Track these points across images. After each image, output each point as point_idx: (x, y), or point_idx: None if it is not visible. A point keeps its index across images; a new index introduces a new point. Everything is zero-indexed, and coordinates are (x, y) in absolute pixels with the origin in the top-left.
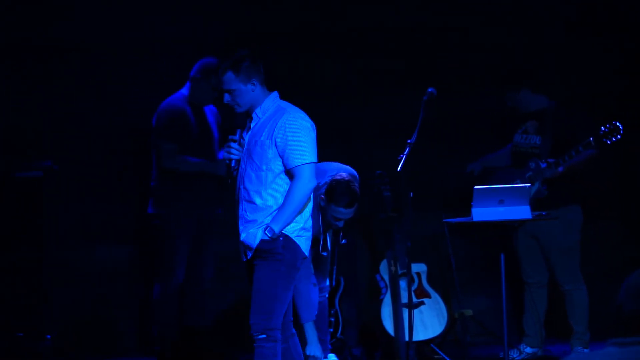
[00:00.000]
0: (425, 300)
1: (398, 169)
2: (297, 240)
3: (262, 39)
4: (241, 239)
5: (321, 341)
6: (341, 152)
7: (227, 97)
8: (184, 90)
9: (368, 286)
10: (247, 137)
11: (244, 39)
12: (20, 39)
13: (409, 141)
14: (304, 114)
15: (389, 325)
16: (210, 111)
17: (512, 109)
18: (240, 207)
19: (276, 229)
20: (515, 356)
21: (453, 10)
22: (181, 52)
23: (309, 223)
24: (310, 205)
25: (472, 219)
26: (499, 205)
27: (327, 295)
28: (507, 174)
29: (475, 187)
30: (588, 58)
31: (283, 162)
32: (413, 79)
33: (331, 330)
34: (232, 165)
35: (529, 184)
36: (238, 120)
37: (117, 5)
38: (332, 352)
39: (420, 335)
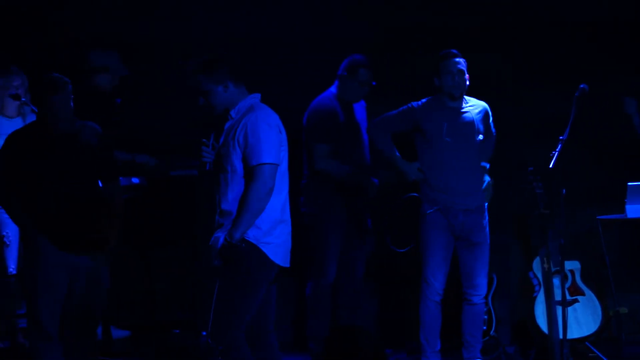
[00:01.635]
0: (579, 297)
1: (550, 166)
2: (263, 248)
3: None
4: (210, 242)
5: (472, 348)
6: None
7: (201, 100)
8: (333, 89)
9: (521, 284)
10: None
11: (387, 38)
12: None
13: (561, 137)
14: (272, 114)
15: (542, 323)
16: (360, 107)
17: None
18: (217, 211)
19: (235, 234)
20: None
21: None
22: (330, 50)
23: (278, 230)
24: (276, 209)
25: (626, 215)
26: None
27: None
28: None
29: (629, 183)
30: None
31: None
32: (563, 74)
33: (484, 328)
34: (207, 168)
35: None
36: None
37: (271, 3)
38: (483, 351)
39: (574, 333)
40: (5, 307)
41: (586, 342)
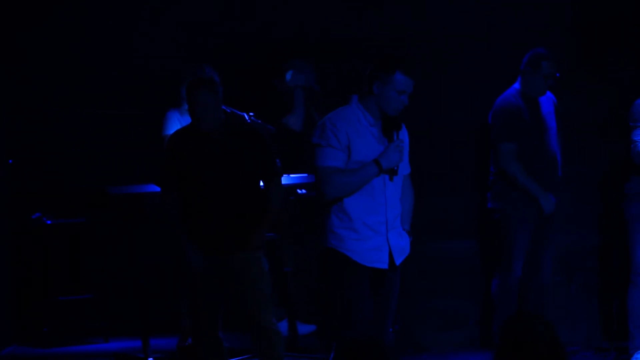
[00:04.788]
0: None
1: None
2: None
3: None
4: (402, 244)
5: None
6: None
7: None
8: (517, 85)
9: None
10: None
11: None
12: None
13: None
14: None
15: None
16: (547, 100)
17: None
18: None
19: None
20: None
21: None
22: (517, 45)
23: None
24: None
25: None
26: None
27: None
28: None
29: None
30: None
31: None
32: None
33: None
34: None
35: None
36: None
37: None
38: None
39: None
40: None
41: None
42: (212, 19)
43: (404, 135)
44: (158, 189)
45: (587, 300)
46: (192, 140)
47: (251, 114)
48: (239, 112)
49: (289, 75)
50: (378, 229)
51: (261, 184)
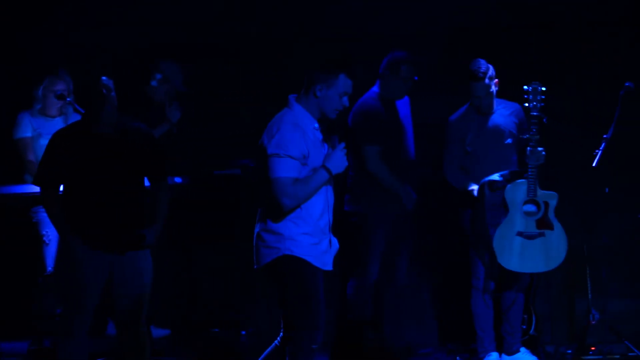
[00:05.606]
0: (547, 232)
1: (594, 164)
2: None
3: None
4: (337, 245)
5: (511, 335)
6: None
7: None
8: (376, 88)
9: (561, 282)
10: None
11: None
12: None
13: (605, 136)
14: None
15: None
16: (405, 103)
17: None
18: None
19: None
20: None
21: None
22: (375, 49)
23: None
24: None
25: None
26: None
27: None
28: None
29: None
30: None
31: None
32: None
33: (524, 327)
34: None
35: None
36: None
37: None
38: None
39: (540, 267)
40: (45, 306)
41: (626, 342)
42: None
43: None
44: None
45: (441, 302)
46: (81, 139)
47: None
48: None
49: (154, 82)
50: (326, 231)
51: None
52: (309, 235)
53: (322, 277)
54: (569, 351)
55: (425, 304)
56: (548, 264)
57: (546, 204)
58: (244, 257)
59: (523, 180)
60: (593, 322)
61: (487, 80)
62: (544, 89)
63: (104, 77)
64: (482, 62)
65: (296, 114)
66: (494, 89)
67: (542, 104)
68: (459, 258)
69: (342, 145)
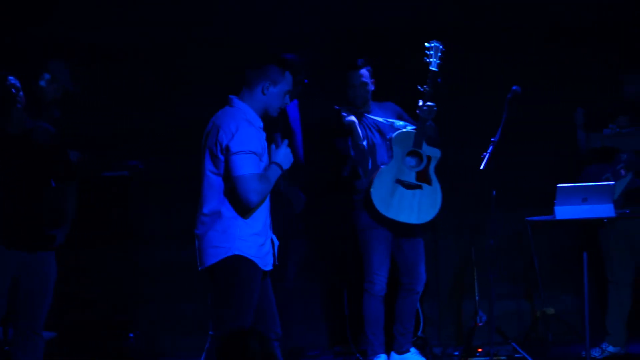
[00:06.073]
0: (425, 186)
1: (481, 167)
2: None
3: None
4: (276, 242)
5: (402, 335)
6: None
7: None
8: None
9: (449, 285)
10: None
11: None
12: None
13: (492, 139)
14: None
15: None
16: (293, 106)
17: (627, 93)
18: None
19: None
20: (597, 355)
21: None
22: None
23: None
24: None
25: (555, 217)
26: (582, 204)
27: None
28: (598, 169)
29: (559, 185)
30: None
31: None
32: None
33: (412, 329)
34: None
35: (613, 182)
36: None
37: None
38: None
39: (412, 218)
40: None
41: (512, 343)
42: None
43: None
44: None
45: (331, 303)
46: None
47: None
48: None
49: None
50: (269, 230)
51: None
52: (257, 235)
53: (260, 279)
54: (456, 353)
55: (314, 305)
56: (420, 216)
57: (429, 159)
58: (132, 258)
59: (412, 130)
60: (480, 324)
61: (363, 71)
62: (443, 48)
63: (10, 77)
64: (363, 59)
65: (245, 112)
66: (370, 86)
67: (440, 62)
68: (350, 260)
69: (286, 142)
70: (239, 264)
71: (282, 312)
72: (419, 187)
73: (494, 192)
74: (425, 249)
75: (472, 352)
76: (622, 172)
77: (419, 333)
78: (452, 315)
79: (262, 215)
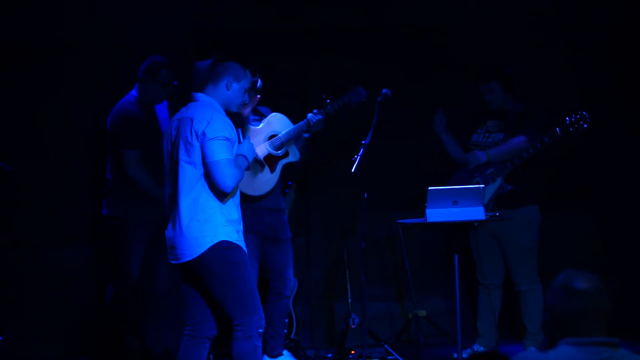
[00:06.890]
0: (266, 167)
1: (352, 170)
2: None
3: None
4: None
5: (273, 339)
6: None
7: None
8: (134, 92)
9: (321, 287)
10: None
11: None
12: None
13: (363, 142)
14: None
15: None
16: (163, 108)
17: (488, 103)
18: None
19: None
20: (468, 356)
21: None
22: (137, 52)
23: None
24: None
25: (426, 220)
26: (453, 206)
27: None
28: (468, 172)
29: (430, 187)
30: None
31: None
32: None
33: (285, 331)
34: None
35: (483, 185)
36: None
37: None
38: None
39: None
40: None
41: (385, 345)
42: None
43: None
44: None
45: None
46: None
47: None
48: None
49: None
50: (241, 221)
51: None
52: (235, 222)
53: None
54: (330, 355)
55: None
56: (254, 190)
57: (286, 152)
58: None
59: (296, 126)
60: (353, 326)
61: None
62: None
63: None
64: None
65: (213, 104)
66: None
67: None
68: None
69: (248, 136)
70: (229, 250)
71: (154, 316)
72: (262, 165)
73: (365, 195)
74: (296, 251)
75: (345, 354)
76: (491, 177)
77: (292, 335)
78: (324, 318)
79: (236, 204)
